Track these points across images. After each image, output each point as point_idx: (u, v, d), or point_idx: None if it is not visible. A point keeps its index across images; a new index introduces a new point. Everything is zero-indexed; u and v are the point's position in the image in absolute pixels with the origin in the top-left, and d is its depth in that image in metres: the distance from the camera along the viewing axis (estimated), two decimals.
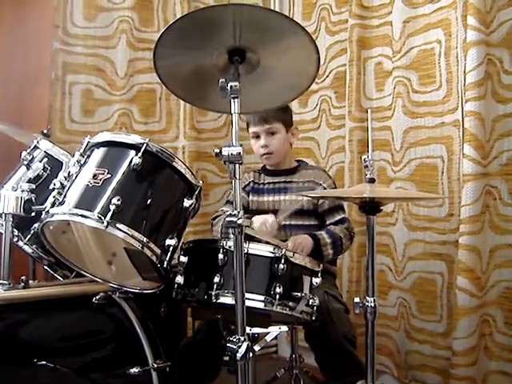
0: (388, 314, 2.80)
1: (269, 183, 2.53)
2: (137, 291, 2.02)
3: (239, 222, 1.54)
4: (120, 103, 3.24)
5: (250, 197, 2.52)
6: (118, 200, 1.73)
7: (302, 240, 2.21)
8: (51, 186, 1.90)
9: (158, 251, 1.81)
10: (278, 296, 1.74)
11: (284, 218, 2.26)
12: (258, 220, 2.25)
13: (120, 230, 1.74)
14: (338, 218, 2.38)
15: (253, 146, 2.50)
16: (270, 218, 2.23)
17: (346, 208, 2.50)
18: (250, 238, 2.10)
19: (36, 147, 2.29)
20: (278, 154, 2.47)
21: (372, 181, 1.81)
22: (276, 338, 3.24)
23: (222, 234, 2.27)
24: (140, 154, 1.82)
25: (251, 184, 2.55)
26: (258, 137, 2.45)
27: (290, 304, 1.79)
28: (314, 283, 1.87)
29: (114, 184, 1.80)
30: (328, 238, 2.26)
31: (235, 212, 1.55)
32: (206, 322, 2.21)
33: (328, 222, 2.39)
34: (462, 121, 2.40)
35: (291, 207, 2.32)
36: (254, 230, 2.18)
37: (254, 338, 1.78)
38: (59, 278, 2.32)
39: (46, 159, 2.26)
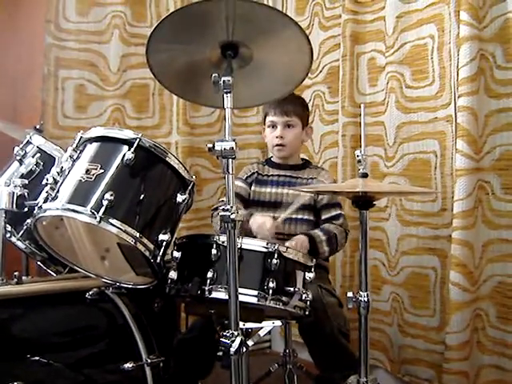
0: (381, 309, 2.81)
1: (273, 175, 2.54)
2: (130, 286, 2.02)
3: (232, 216, 1.54)
4: (113, 98, 3.24)
5: (253, 187, 2.53)
6: (111, 195, 1.73)
7: (298, 240, 2.21)
8: (44, 182, 1.89)
9: (152, 246, 1.80)
10: (271, 291, 1.74)
11: (285, 216, 2.26)
12: (256, 222, 2.24)
13: (113, 225, 1.73)
14: (333, 213, 2.40)
15: (267, 135, 2.53)
16: (268, 221, 2.22)
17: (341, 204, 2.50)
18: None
19: (29, 142, 2.28)
20: (290, 148, 2.49)
21: (365, 175, 1.81)
22: (269, 333, 3.24)
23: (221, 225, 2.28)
24: (133, 149, 1.82)
25: (255, 175, 2.55)
26: (274, 126, 2.48)
27: (284, 299, 1.79)
28: (308, 278, 1.88)
29: (106, 179, 1.79)
30: (323, 236, 2.27)
31: (228, 207, 1.55)
32: (201, 318, 2.22)
33: (323, 217, 2.40)
34: (455, 116, 2.40)
35: (293, 205, 2.31)
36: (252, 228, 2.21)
37: (247, 333, 1.78)
38: (52, 273, 2.32)
39: (38, 154, 2.25)
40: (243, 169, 2.59)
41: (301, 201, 2.32)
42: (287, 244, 2.15)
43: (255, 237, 2.18)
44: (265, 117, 2.53)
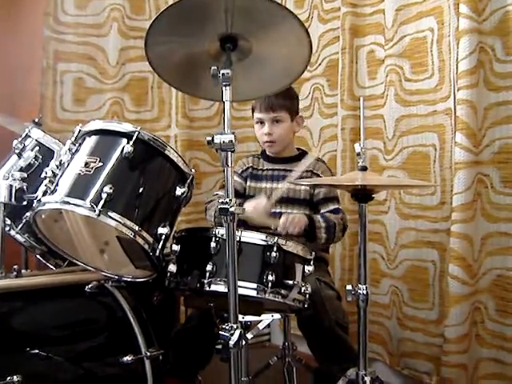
0: (380, 302, 2.81)
1: (268, 170, 2.52)
2: (129, 280, 2.02)
3: (231, 209, 1.54)
4: (112, 92, 3.24)
5: (248, 182, 2.52)
6: (110, 188, 1.73)
7: (295, 216, 2.20)
8: (43, 175, 1.89)
9: (151, 239, 1.81)
10: (270, 284, 1.74)
11: (277, 198, 2.28)
12: (250, 204, 2.26)
13: (112, 218, 1.73)
14: (332, 207, 2.38)
15: (256, 131, 2.50)
16: (261, 200, 2.25)
17: (339, 197, 2.49)
18: (244, 222, 2.13)
19: (27, 136, 2.28)
20: (281, 143, 2.47)
21: (364, 169, 1.81)
22: (269, 326, 3.25)
23: (216, 218, 2.28)
24: (132, 143, 1.82)
25: (249, 170, 2.54)
26: (262, 123, 2.44)
27: (283, 292, 1.79)
28: (307, 271, 1.88)
29: (105, 172, 1.79)
30: (323, 222, 2.26)
31: (227, 200, 1.55)
32: (198, 309, 2.22)
33: (322, 211, 2.39)
34: (454, 109, 2.40)
35: (283, 188, 2.33)
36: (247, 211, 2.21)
37: (246, 326, 1.79)
38: (51, 267, 2.32)
39: (37, 148, 2.25)
40: (238, 162, 2.57)
41: (294, 174, 2.32)
42: (283, 217, 2.16)
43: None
44: (252, 112, 2.50)
